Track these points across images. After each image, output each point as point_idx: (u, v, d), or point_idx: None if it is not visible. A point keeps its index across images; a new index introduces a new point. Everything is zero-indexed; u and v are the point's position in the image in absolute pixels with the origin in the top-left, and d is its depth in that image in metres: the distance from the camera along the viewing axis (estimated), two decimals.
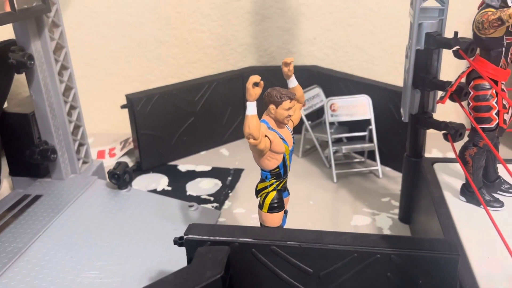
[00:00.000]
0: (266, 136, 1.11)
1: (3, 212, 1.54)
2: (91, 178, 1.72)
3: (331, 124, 2.01)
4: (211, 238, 0.98)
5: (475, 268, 0.98)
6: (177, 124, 2.09)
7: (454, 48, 1.24)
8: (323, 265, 0.96)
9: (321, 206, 1.72)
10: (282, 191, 1.23)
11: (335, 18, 2.25)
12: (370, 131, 1.93)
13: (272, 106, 1.13)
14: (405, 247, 0.93)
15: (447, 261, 0.91)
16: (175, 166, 2.09)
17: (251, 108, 1.06)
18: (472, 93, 1.16)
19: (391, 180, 1.89)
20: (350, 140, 2.03)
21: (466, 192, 1.24)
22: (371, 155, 1.98)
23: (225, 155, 2.18)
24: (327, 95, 2.04)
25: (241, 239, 0.97)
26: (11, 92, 1.90)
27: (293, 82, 1.20)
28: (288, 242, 0.96)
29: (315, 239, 0.96)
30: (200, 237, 0.99)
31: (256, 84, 1.07)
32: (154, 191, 1.86)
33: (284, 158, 1.17)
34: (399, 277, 0.94)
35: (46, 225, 1.45)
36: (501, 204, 1.20)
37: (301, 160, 2.08)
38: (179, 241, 1.02)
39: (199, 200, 1.79)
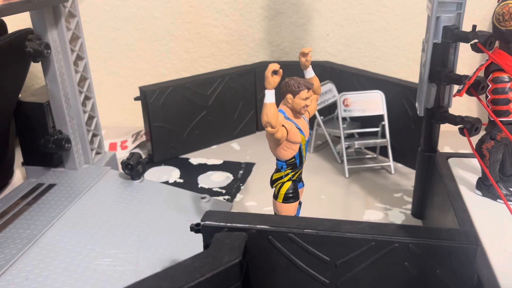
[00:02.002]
0: (282, 125, 1.11)
1: (17, 200, 1.55)
2: (104, 168, 1.73)
3: (344, 119, 2.00)
4: (228, 224, 0.98)
5: (493, 260, 0.98)
6: (189, 117, 2.10)
7: (472, 42, 1.23)
8: (340, 253, 0.96)
9: (333, 201, 1.72)
10: (297, 182, 1.23)
11: (349, 14, 2.25)
12: (383, 126, 1.92)
13: (289, 96, 1.14)
14: (424, 237, 0.92)
15: (465, 251, 0.90)
16: (187, 159, 2.09)
17: (270, 96, 1.06)
18: (490, 86, 1.16)
19: (403, 176, 1.88)
20: (362, 135, 2.03)
21: (482, 186, 1.23)
22: (383, 151, 1.98)
23: (236, 149, 2.18)
24: (339, 91, 2.03)
25: (258, 226, 0.97)
26: (24, 84, 1.91)
27: (310, 73, 1.20)
28: (305, 230, 0.96)
29: (332, 227, 0.96)
30: (217, 223, 0.99)
31: (275, 72, 1.07)
32: (166, 183, 1.87)
33: (300, 149, 1.17)
34: (417, 267, 0.93)
35: (60, 213, 1.45)
36: None
37: (313, 156, 2.08)
38: (195, 228, 1.02)
39: (211, 192, 1.79)
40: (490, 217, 1.15)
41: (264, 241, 0.98)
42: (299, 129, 1.15)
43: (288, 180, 1.19)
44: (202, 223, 1.00)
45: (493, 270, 0.95)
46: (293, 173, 1.19)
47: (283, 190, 1.19)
